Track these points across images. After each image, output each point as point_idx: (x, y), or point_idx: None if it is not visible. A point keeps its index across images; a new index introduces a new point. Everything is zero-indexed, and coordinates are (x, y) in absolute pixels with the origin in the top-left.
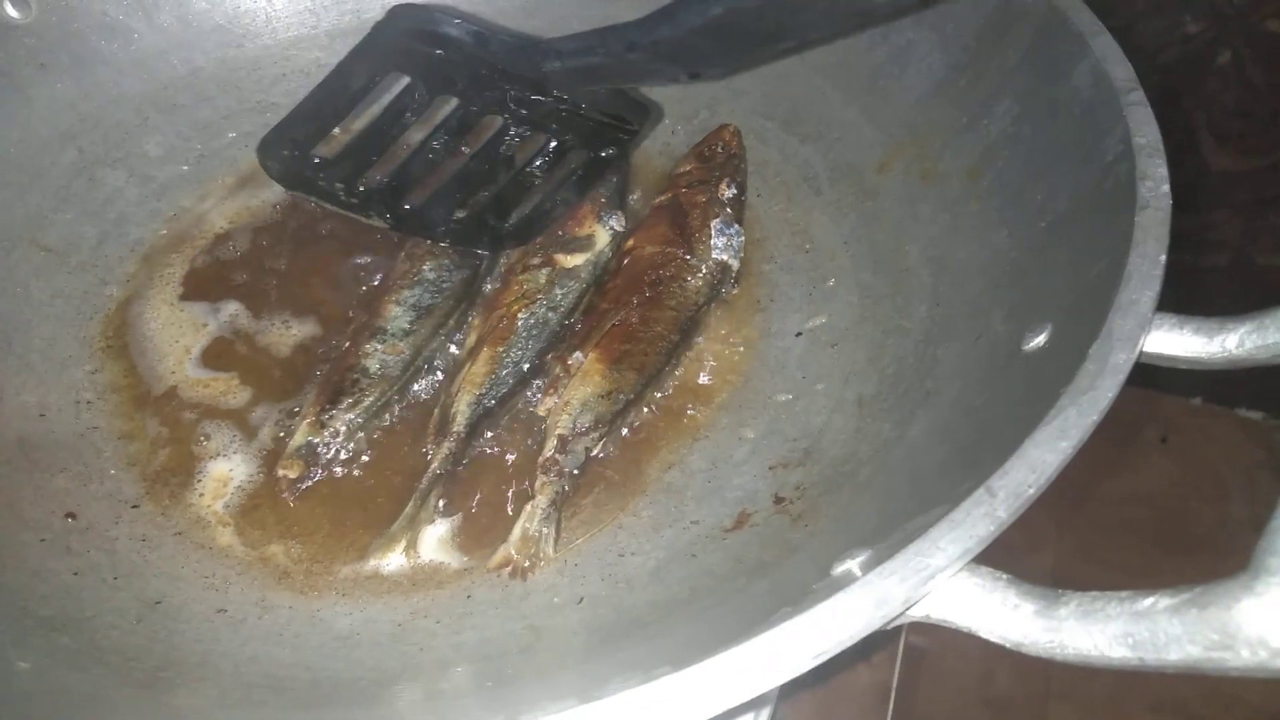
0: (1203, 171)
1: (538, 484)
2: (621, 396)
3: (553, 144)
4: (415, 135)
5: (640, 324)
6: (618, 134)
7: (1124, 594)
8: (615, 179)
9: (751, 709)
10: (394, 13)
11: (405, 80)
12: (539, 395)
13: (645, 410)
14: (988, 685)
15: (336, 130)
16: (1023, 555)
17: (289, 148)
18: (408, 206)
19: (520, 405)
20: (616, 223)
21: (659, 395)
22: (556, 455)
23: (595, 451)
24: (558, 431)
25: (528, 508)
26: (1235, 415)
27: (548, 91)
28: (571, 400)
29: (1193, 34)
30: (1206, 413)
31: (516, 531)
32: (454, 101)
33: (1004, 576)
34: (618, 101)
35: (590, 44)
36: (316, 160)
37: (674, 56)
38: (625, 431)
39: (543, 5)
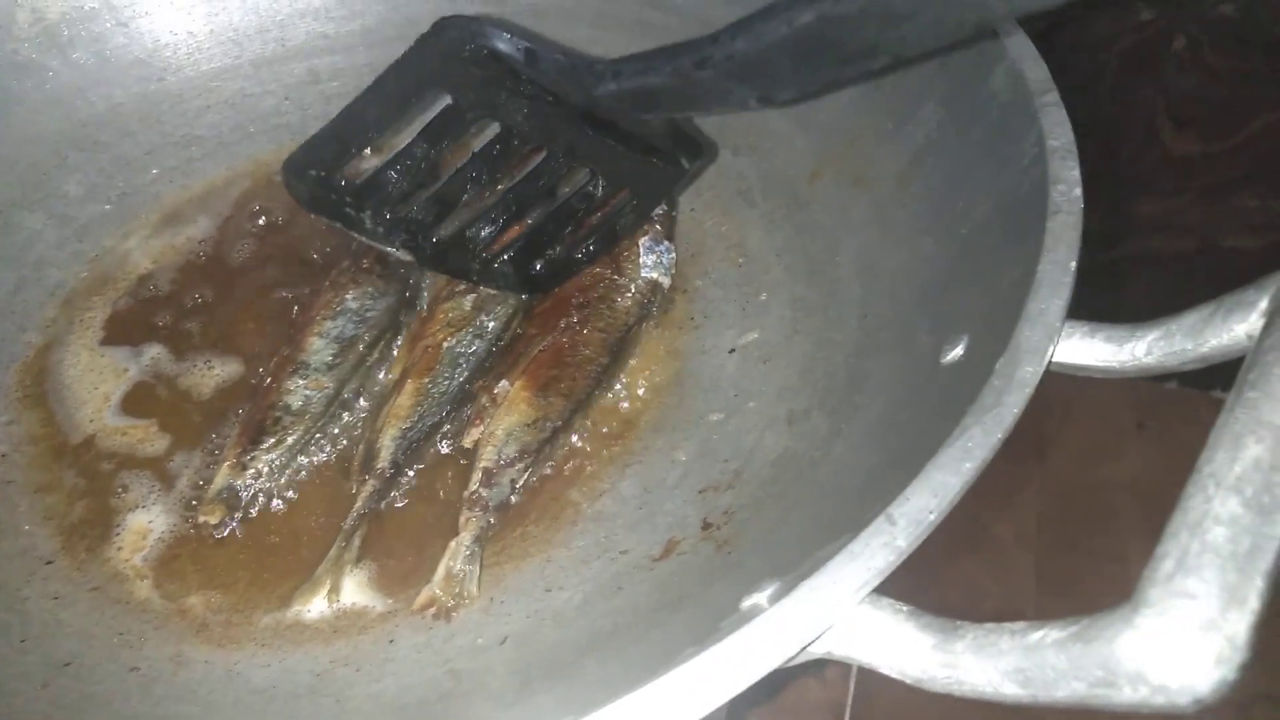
0: (1164, 157)
1: (461, 519)
2: (549, 424)
3: (600, 182)
4: (453, 161)
5: (569, 348)
6: (668, 173)
7: (1018, 626)
8: None
9: None
10: (440, 25)
11: (446, 100)
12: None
13: (574, 437)
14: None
15: (368, 151)
16: (1008, 550)
17: (316, 168)
18: (437, 241)
19: (448, 437)
20: None
21: (589, 421)
22: (480, 490)
23: (519, 484)
24: (482, 464)
25: (452, 545)
26: (1210, 397)
27: (598, 120)
28: (496, 431)
29: (1147, 21)
30: (1182, 397)
31: (441, 570)
32: (495, 127)
33: (904, 609)
34: (670, 136)
35: (653, 63)
36: (343, 184)
37: (748, 75)
38: (554, 460)
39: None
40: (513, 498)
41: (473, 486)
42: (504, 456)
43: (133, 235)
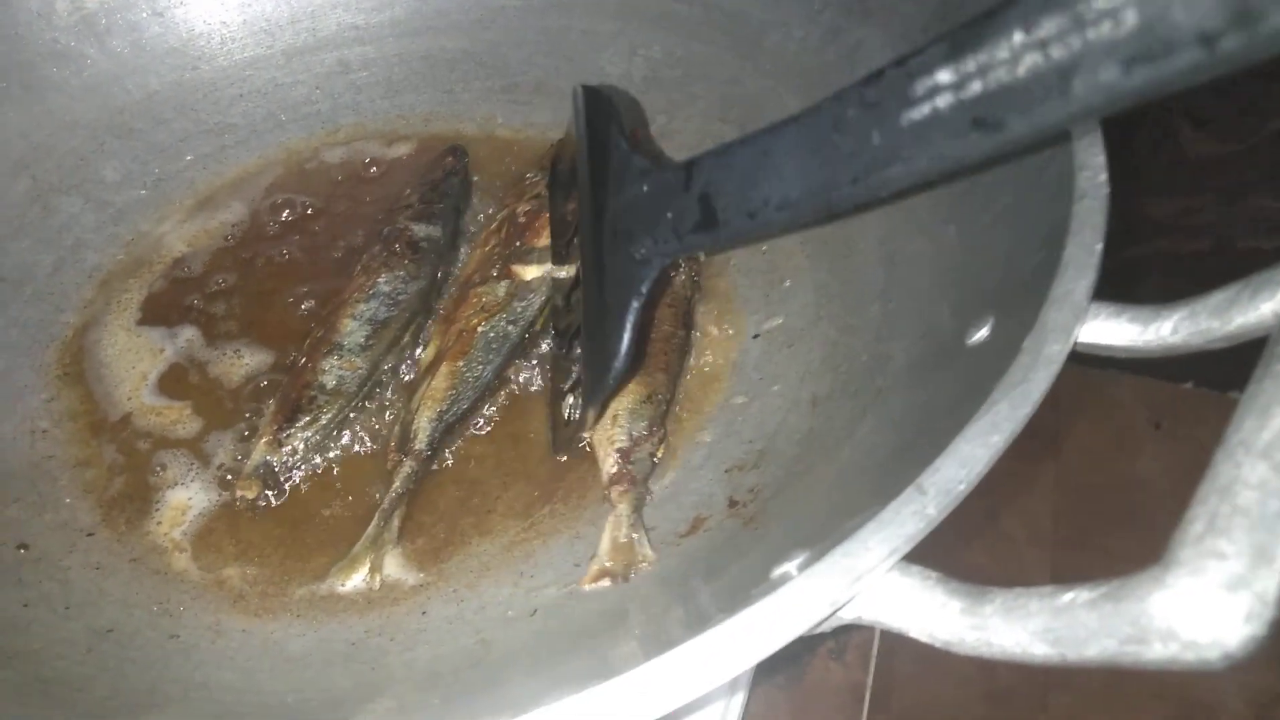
0: (1181, 157)
1: (614, 495)
2: (660, 397)
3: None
4: None
5: (650, 325)
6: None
7: (1046, 589)
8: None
9: (720, 702)
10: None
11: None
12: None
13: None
14: (989, 678)
15: None
16: (1022, 548)
17: None
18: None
19: (481, 419)
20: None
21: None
22: (625, 468)
23: (656, 454)
24: (616, 446)
25: (611, 519)
26: (1227, 398)
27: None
28: (618, 413)
29: None
30: (1198, 397)
31: (605, 543)
32: None
33: (933, 575)
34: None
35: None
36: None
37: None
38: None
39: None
40: (654, 465)
41: (612, 468)
42: (635, 435)
43: (167, 220)
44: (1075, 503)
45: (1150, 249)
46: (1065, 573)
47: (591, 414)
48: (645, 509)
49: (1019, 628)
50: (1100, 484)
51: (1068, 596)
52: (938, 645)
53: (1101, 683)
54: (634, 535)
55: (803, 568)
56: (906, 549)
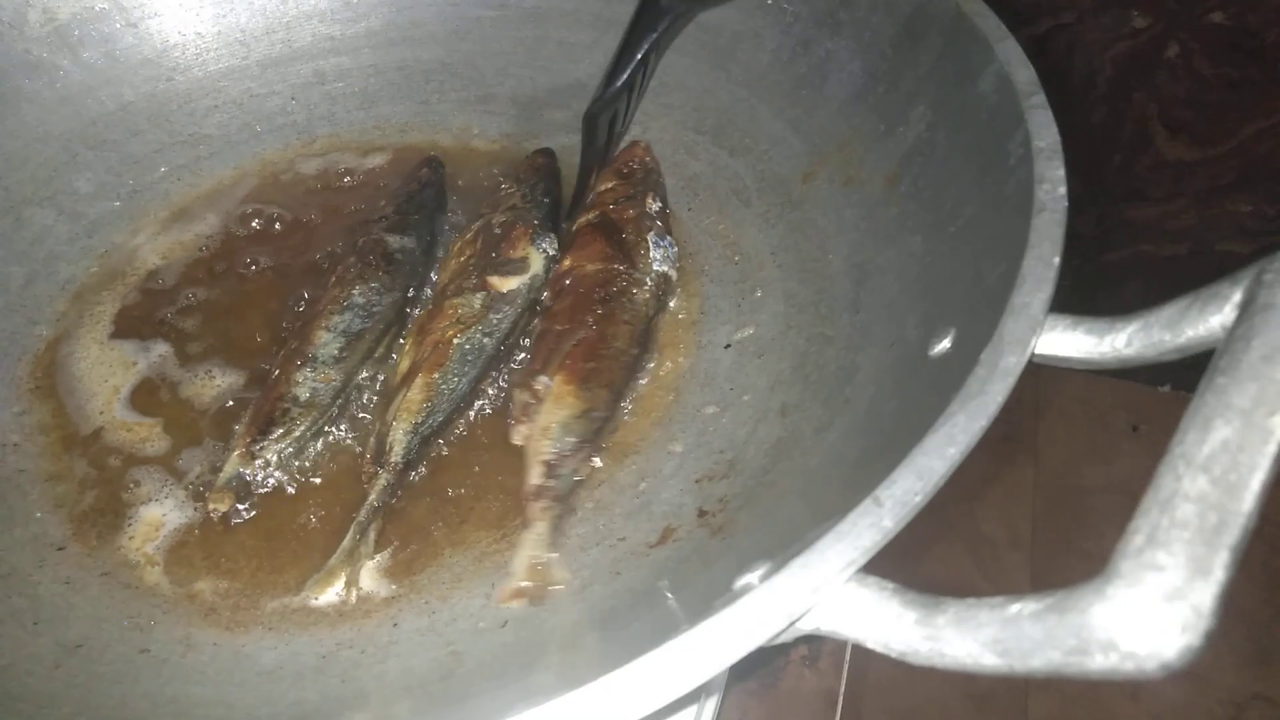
0: (1158, 162)
1: (532, 511)
2: (596, 414)
3: None
4: None
5: (600, 341)
6: None
7: (996, 600)
8: (547, 200)
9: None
10: None
11: None
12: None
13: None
14: (970, 679)
15: None
16: (1002, 552)
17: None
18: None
19: (454, 431)
20: (550, 245)
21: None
22: (546, 482)
23: (579, 472)
24: (541, 458)
25: (528, 536)
26: None
27: None
28: (550, 426)
29: (1141, 28)
30: (1176, 399)
31: (520, 561)
32: None
33: (889, 586)
34: None
35: None
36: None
37: None
38: (605, 445)
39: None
40: (575, 485)
41: (535, 480)
42: (562, 449)
43: (141, 231)
44: (1054, 506)
45: (1128, 253)
46: (1044, 576)
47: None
48: (617, 520)
49: (970, 639)
50: (1079, 487)
51: (1015, 608)
52: (893, 656)
53: (1081, 685)
54: (551, 555)
55: (764, 578)
56: (863, 561)
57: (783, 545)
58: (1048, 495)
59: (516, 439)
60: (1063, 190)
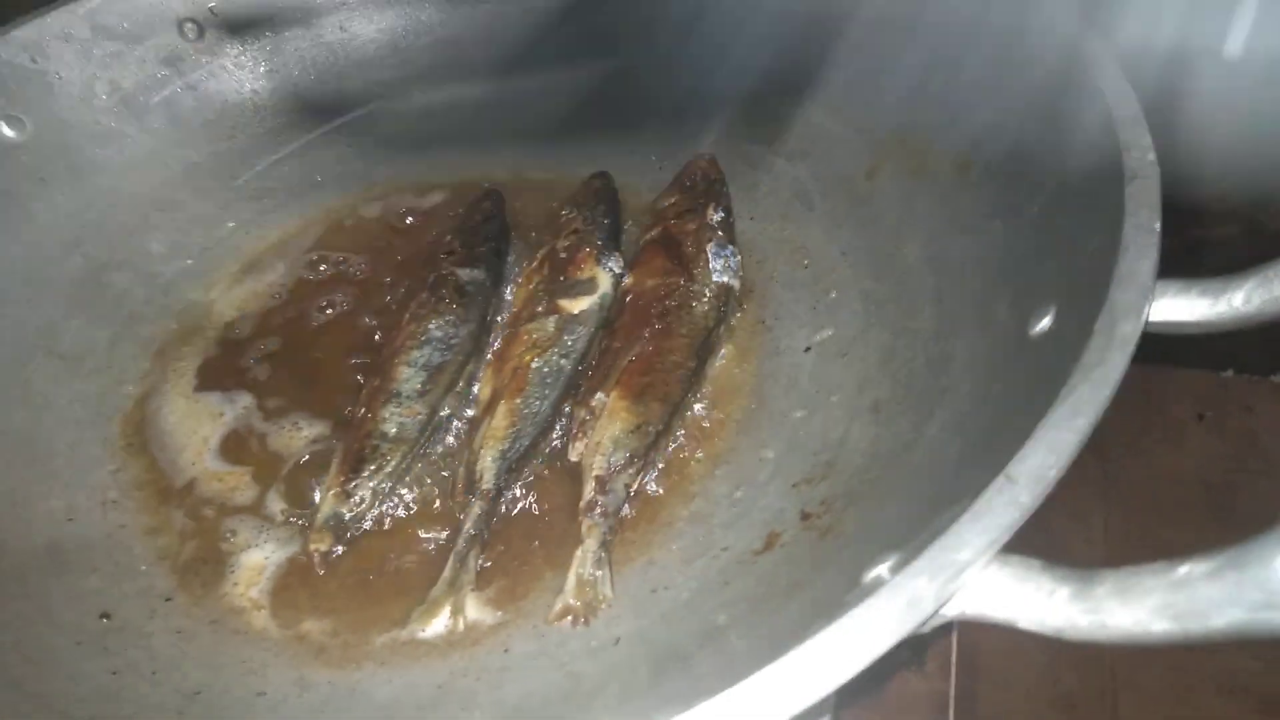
0: None
1: (583, 528)
2: (650, 429)
3: None
4: None
5: (656, 355)
6: None
7: (1157, 565)
8: (608, 221)
9: None
10: None
11: None
12: (559, 442)
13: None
14: (1053, 684)
15: None
16: (1075, 548)
17: None
18: None
19: (542, 454)
20: (615, 264)
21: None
22: (597, 497)
23: (633, 487)
24: (594, 473)
25: (578, 553)
26: (1271, 382)
27: None
28: (603, 440)
29: None
30: (1240, 384)
31: (571, 579)
32: None
33: (1036, 562)
34: None
35: None
36: None
37: None
38: (661, 462)
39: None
40: (624, 502)
41: (588, 496)
42: (614, 463)
43: (215, 286)
44: (1126, 499)
45: (1178, 236)
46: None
47: None
48: (717, 530)
49: (1135, 606)
50: (1149, 479)
51: (1184, 570)
52: (1048, 634)
53: (1168, 682)
54: (597, 573)
55: (895, 569)
56: (1005, 539)
57: (907, 536)
58: (1118, 491)
59: (573, 455)
60: (1152, 157)
